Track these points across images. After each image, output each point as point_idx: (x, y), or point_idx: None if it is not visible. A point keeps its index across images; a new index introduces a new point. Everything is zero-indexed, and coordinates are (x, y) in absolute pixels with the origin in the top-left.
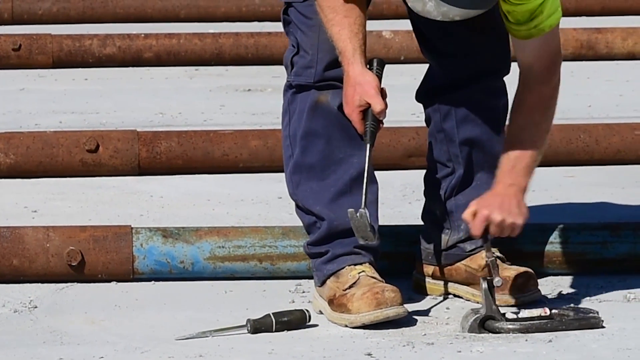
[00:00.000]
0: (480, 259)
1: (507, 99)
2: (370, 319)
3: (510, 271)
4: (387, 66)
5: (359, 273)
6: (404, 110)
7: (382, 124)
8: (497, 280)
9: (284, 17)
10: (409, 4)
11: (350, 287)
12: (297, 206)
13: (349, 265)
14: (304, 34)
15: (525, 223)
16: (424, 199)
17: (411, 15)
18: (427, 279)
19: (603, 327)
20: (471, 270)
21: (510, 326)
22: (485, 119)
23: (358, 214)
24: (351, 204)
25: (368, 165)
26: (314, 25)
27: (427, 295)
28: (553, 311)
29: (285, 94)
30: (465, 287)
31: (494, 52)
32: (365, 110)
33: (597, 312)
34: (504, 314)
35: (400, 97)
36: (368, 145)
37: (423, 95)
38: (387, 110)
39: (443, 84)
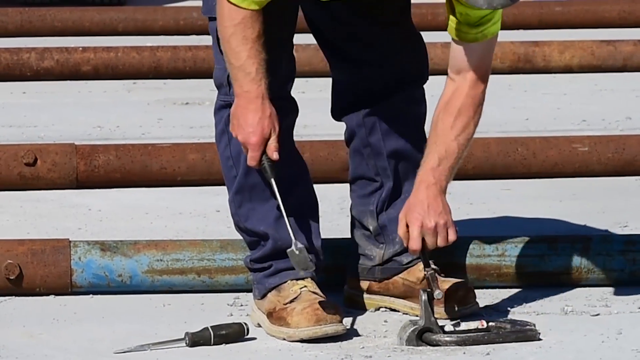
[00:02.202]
0: (417, 271)
1: (426, 107)
2: (308, 335)
3: (448, 284)
4: (325, 79)
5: (301, 288)
6: (341, 124)
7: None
8: (437, 293)
9: (214, 34)
10: None
11: (291, 301)
12: (238, 226)
13: (291, 280)
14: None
15: (456, 228)
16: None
17: (323, 26)
18: (363, 294)
19: (540, 339)
20: (409, 283)
21: (448, 338)
22: (410, 128)
23: (297, 251)
24: (293, 223)
25: (281, 199)
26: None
27: (362, 309)
28: (490, 324)
29: (220, 113)
30: (402, 300)
31: (413, 60)
32: None
33: (534, 325)
34: (442, 327)
35: None
36: (272, 180)
37: (340, 112)
38: (316, 126)
39: (363, 97)
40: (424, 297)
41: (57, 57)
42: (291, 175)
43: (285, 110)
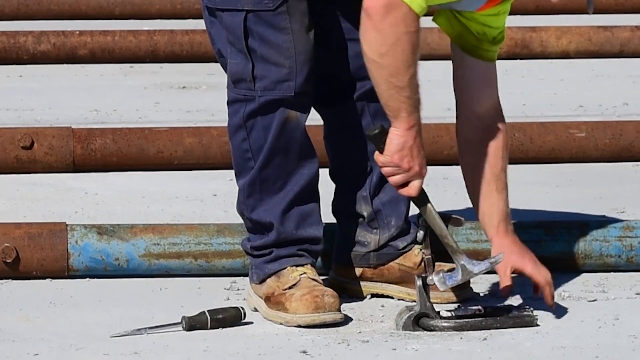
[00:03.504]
0: (413, 256)
1: None
2: (306, 321)
3: (442, 268)
4: None
5: (301, 275)
6: None
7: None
8: (430, 279)
9: (245, 28)
10: None
11: (290, 287)
12: (242, 214)
13: (291, 266)
14: (275, 45)
15: None
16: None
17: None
18: (353, 282)
19: (537, 325)
20: (405, 269)
21: (445, 324)
22: None
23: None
24: (300, 214)
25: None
26: (288, 34)
27: (353, 296)
28: (487, 309)
29: (234, 106)
30: (396, 286)
31: None
32: None
33: (532, 310)
34: (438, 312)
35: None
36: (429, 205)
37: (333, 98)
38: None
39: (350, 82)
40: (419, 282)
41: (54, 40)
42: (303, 167)
43: (308, 106)
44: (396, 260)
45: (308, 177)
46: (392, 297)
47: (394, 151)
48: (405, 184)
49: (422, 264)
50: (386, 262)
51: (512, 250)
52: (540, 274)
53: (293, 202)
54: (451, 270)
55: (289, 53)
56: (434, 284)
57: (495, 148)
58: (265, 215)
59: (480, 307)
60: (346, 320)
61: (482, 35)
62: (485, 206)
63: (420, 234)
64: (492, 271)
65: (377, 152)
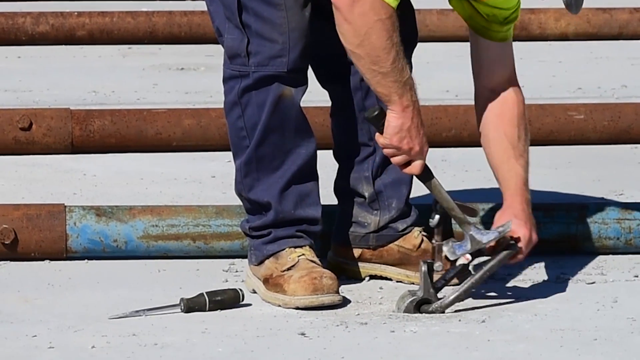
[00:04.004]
0: (413, 238)
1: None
2: (304, 303)
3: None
4: None
5: (299, 256)
6: None
7: None
8: (437, 265)
9: (240, 3)
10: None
11: (288, 269)
12: (240, 194)
13: (290, 248)
14: (268, 21)
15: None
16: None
17: None
18: (352, 262)
19: (518, 251)
20: (405, 251)
21: (443, 303)
22: None
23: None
24: (298, 194)
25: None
26: (281, 10)
27: (352, 278)
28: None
29: (230, 83)
30: (395, 268)
31: (406, 24)
32: None
33: (515, 241)
34: (440, 298)
35: None
36: (435, 179)
37: (330, 78)
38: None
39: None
40: (424, 268)
41: (52, 21)
42: (300, 146)
43: (303, 82)
44: (395, 242)
45: (306, 157)
46: (390, 279)
47: (393, 133)
48: (407, 164)
49: (422, 246)
50: (385, 244)
51: (515, 214)
52: (525, 235)
53: (291, 181)
54: (461, 240)
55: (282, 29)
56: (440, 270)
57: (509, 117)
58: (263, 195)
59: (467, 255)
60: (344, 302)
61: (492, 17)
62: (503, 172)
63: (436, 218)
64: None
65: (377, 134)
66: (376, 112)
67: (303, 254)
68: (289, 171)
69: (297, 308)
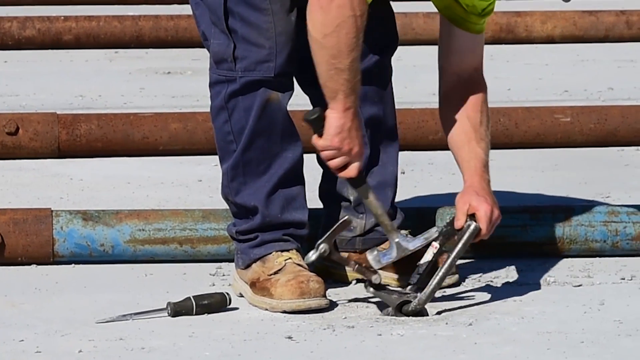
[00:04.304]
0: None
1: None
2: (291, 307)
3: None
4: None
5: (286, 260)
6: None
7: None
8: (375, 278)
9: (226, 7)
10: None
11: (275, 272)
12: (227, 199)
13: (276, 252)
14: (255, 26)
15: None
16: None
17: None
18: (339, 266)
19: (478, 228)
20: None
21: (421, 299)
22: (381, 94)
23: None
24: (284, 198)
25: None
26: (268, 15)
27: (339, 281)
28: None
29: (216, 88)
30: (381, 271)
31: (385, 29)
32: None
33: (472, 217)
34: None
35: None
36: (361, 188)
37: (311, 82)
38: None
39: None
40: (371, 288)
41: (39, 26)
42: (287, 150)
43: (289, 87)
44: (382, 245)
45: (292, 161)
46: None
47: (334, 134)
48: (344, 167)
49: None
50: (371, 247)
51: (476, 192)
52: (486, 211)
53: (277, 185)
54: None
55: (269, 34)
56: (379, 282)
57: (474, 102)
58: (250, 199)
59: (434, 244)
60: (331, 305)
61: (471, 8)
62: (463, 153)
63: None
64: (480, 257)
65: (315, 136)
66: (317, 114)
67: (290, 258)
68: (275, 175)
69: (284, 312)
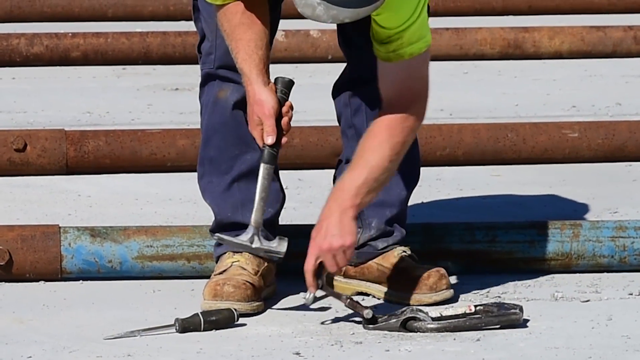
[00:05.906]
0: (392, 257)
1: None
2: (203, 307)
3: (421, 270)
4: (314, 65)
5: (233, 262)
6: (332, 109)
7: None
8: (366, 312)
9: (194, 3)
10: (299, 10)
11: (220, 273)
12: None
13: (229, 252)
14: (206, 20)
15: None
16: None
17: None
18: (339, 278)
19: (524, 323)
20: (383, 269)
21: (430, 325)
22: None
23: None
24: (236, 199)
25: (262, 183)
26: (211, 7)
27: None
28: (478, 307)
29: (200, 87)
30: (377, 285)
31: (364, 62)
32: None
33: (521, 308)
34: (426, 313)
35: (327, 96)
36: (262, 165)
37: (336, 91)
38: (306, 112)
39: (353, 78)
40: (348, 301)
41: (47, 42)
42: (246, 153)
43: (235, 81)
44: (375, 260)
45: (251, 163)
46: (374, 296)
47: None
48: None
49: (400, 265)
50: (365, 261)
51: (315, 230)
52: (313, 248)
53: (233, 186)
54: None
55: (212, 26)
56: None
57: (375, 129)
58: (208, 198)
59: (470, 306)
60: (339, 320)
61: (374, 33)
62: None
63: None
64: (488, 272)
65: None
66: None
67: (237, 261)
68: (230, 176)
69: (203, 310)
